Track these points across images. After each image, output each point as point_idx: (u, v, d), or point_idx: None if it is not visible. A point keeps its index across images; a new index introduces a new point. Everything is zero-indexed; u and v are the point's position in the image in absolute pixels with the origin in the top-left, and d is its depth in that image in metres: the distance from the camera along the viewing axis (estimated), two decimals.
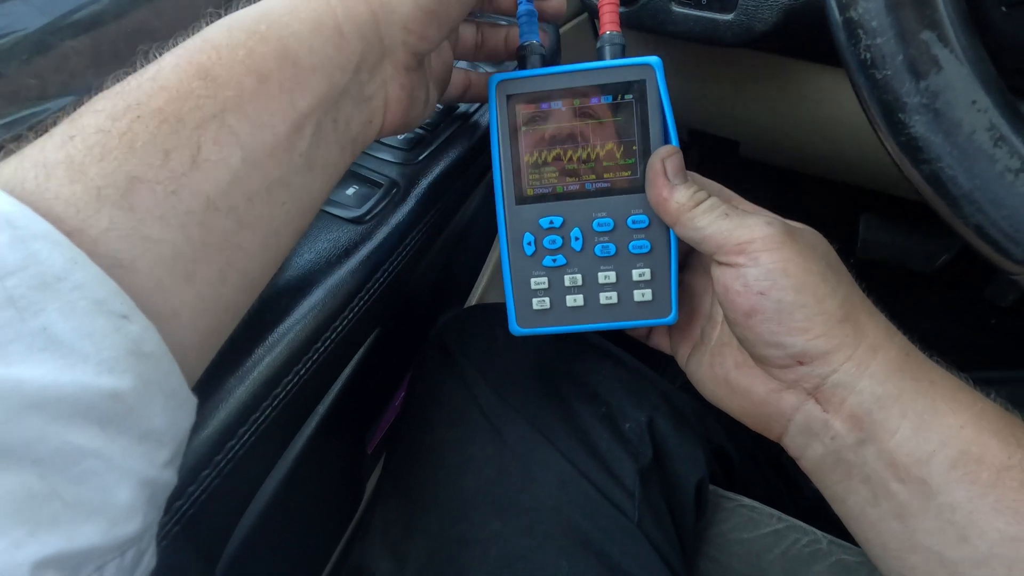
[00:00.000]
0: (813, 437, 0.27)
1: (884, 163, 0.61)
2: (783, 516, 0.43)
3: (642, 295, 0.31)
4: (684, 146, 0.71)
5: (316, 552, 0.42)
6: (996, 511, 0.23)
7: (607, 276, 0.31)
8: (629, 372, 0.42)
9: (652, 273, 0.31)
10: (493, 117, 0.31)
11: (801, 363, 0.26)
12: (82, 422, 0.17)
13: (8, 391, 0.16)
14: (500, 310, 0.43)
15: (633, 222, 0.31)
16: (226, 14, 0.23)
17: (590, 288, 0.31)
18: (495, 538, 0.34)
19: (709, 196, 0.28)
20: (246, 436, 0.27)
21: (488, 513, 0.34)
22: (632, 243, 0.31)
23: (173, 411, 0.20)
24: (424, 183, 0.38)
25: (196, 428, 0.26)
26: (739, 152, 0.71)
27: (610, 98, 0.30)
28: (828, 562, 0.41)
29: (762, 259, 0.26)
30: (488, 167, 0.45)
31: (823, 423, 0.27)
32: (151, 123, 0.20)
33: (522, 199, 0.31)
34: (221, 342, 0.24)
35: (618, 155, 0.31)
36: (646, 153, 0.30)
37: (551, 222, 0.31)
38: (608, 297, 0.31)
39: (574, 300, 0.31)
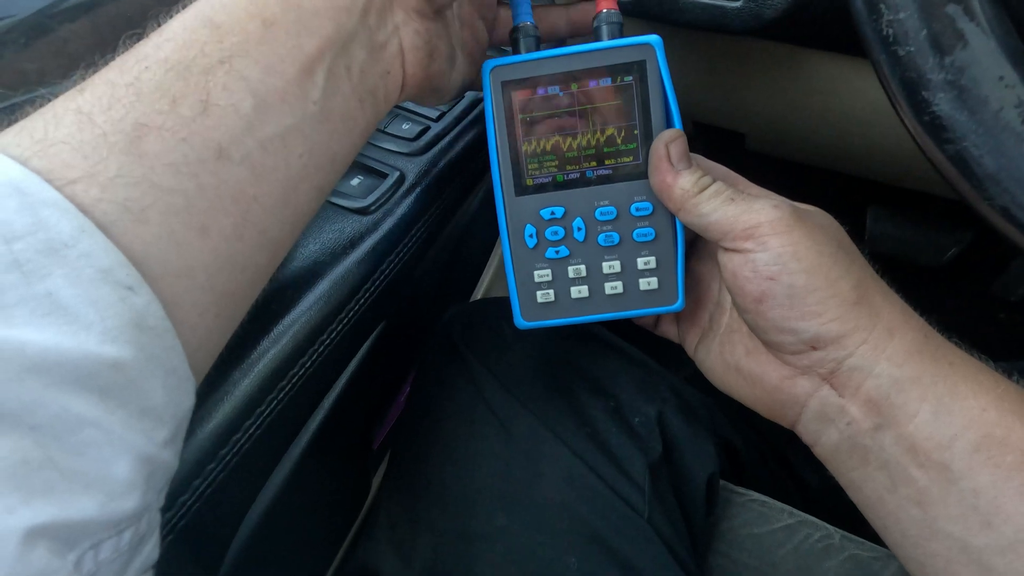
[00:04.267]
0: (828, 423, 0.27)
1: (893, 154, 0.60)
2: (794, 511, 0.43)
3: (648, 284, 0.31)
4: (689, 139, 0.70)
5: (322, 548, 0.42)
6: (1021, 495, 0.22)
7: (611, 266, 0.30)
8: (637, 366, 0.41)
9: (657, 261, 0.30)
10: (488, 105, 0.30)
11: (815, 348, 0.26)
12: (82, 390, 0.17)
13: (9, 353, 0.16)
14: (505, 304, 0.42)
15: (636, 209, 0.30)
16: None
17: (595, 279, 0.31)
18: (502, 533, 0.33)
19: (714, 181, 0.27)
20: (252, 430, 0.27)
21: (495, 508, 0.34)
22: (636, 231, 0.30)
23: (173, 389, 0.19)
24: (430, 174, 0.37)
25: (201, 422, 0.26)
26: (745, 145, 0.70)
27: (609, 80, 0.29)
28: (841, 557, 0.41)
29: (771, 243, 0.25)
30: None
31: (839, 408, 0.26)
32: (157, 71, 0.20)
33: (522, 190, 0.31)
34: (240, 311, 0.23)
35: (619, 140, 0.30)
36: (648, 137, 0.30)
37: (552, 213, 0.30)
38: (613, 287, 0.31)
39: (579, 292, 0.31)
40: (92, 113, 0.19)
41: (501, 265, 0.58)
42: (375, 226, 0.34)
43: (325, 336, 0.30)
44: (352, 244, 0.32)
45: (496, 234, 0.57)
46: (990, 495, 0.23)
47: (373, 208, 0.34)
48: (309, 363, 0.30)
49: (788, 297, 0.25)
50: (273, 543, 0.33)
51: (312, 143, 0.23)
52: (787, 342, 0.26)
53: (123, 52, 0.21)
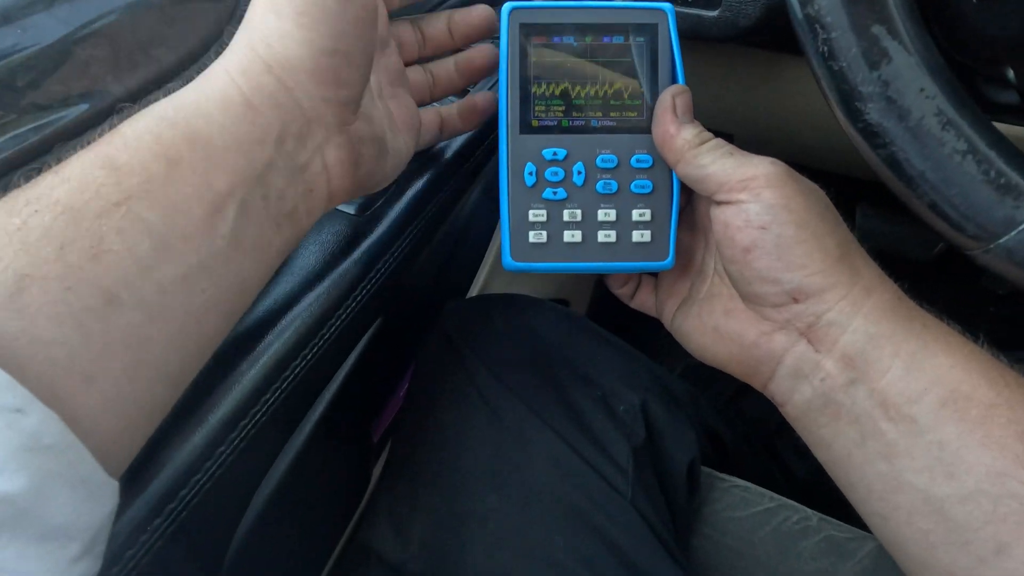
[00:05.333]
0: (802, 379, 0.27)
1: None
2: (774, 496, 0.45)
3: (641, 236, 0.31)
4: None
5: (324, 536, 0.44)
6: (984, 446, 0.23)
7: (607, 214, 0.31)
8: (623, 357, 0.43)
9: (652, 214, 0.31)
10: (504, 45, 0.31)
11: (796, 300, 0.27)
12: None
13: None
14: (499, 300, 0.44)
15: (637, 161, 0.31)
16: (195, 66, 0.23)
17: (589, 224, 0.31)
18: (492, 513, 0.35)
19: (714, 136, 0.29)
20: (258, 416, 0.29)
21: (486, 489, 0.36)
22: (634, 182, 0.31)
23: (82, 502, 0.18)
24: (421, 179, 0.39)
25: (211, 408, 0.28)
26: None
27: (622, 38, 0.31)
28: (817, 538, 0.43)
29: (764, 195, 0.26)
30: (486, 161, 0.46)
31: (814, 364, 0.27)
32: (47, 216, 0.19)
33: (527, 129, 0.31)
34: (143, 440, 0.22)
35: (626, 95, 0.31)
36: (654, 95, 0.31)
37: (555, 154, 0.31)
38: (607, 235, 0.31)
39: (572, 236, 0.31)
40: None
41: (497, 262, 0.60)
42: (370, 228, 0.36)
43: (325, 331, 0.33)
44: (349, 245, 0.35)
45: (490, 235, 0.59)
46: (954, 447, 0.24)
47: (367, 212, 0.36)
48: (311, 355, 0.32)
49: (776, 247, 0.26)
50: (278, 527, 0.35)
51: (218, 277, 0.22)
52: (770, 293, 0.27)
53: (17, 189, 0.20)
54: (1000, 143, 0.20)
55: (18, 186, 0.21)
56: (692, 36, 0.47)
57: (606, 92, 0.31)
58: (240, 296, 0.24)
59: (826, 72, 0.22)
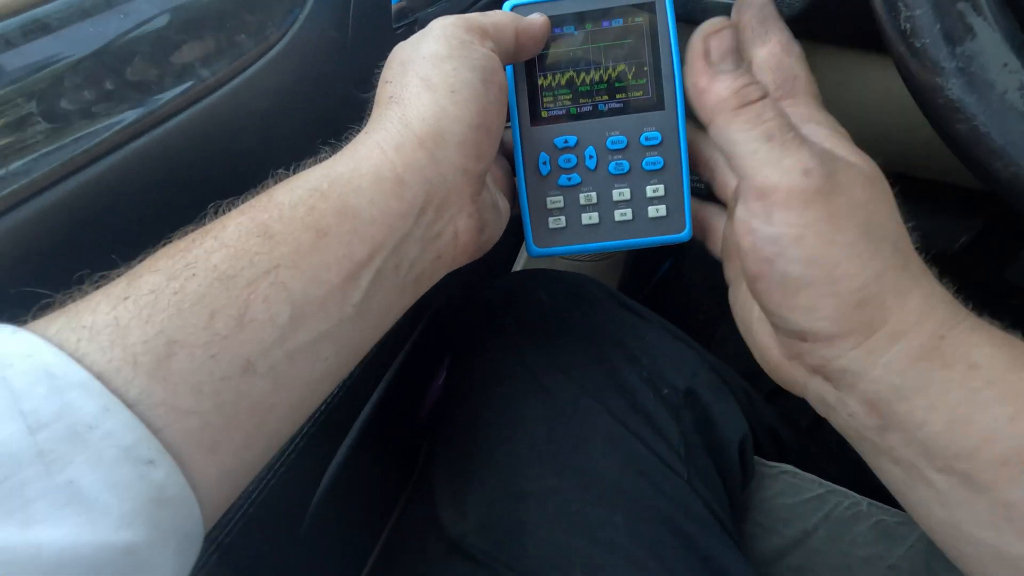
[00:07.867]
0: (831, 409, 0.25)
1: (904, 143, 0.62)
2: (823, 482, 0.44)
3: (656, 211, 0.32)
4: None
5: (381, 508, 0.44)
6: None
7: (621, 193, 0.32)
8: (672, 340, 0.42)
9: (666, 189, 0.32)
10: None
11: (803, 340, 0.24)
12: None
13: (27, 559, 0.16)
14: (542, 276, 0.43)
15: (646, 139, 0.32)
16: (291, 168, 0.24)
17: (605, 205, 0.32)
18: (552, 492, 0.34)
19: (763, 96, 0.22)
20: (317, 416, 0.30)
21: (543, 469, 0.35)
22: (645, 160, 0.32)
23: (185, 554, 0.19)
24: None
25: None
26: None
27: (621, 21, 0.32)
28: (869, 523, 0.42)
29: (776, 217, 0.22)
30: None
31: (837, 399, 0.24)
32: (203, 281, 0.20)
33: (538, 120, 0.33)
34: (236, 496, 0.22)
35: (630, 76, 0.32)
36: (657, 72, 0.32)
37: (566, 141, 0.32)
38: (623, 214, 0.32)
39: (589, 218, 0.33)
40: (128, 328, 0.18)
41: None
42: None
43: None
44: None
45: None
46: None
47: None
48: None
49: (780, 285, 0.23)
50: (342, 504, 0.35)
51: (341, 344, 0.22)
52: (778, 325, 0.25)
53: (178, 244, 0.21)
54: None
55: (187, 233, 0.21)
56: None
57: (610, 75, 0.32)
58: (354, 361, 0.24)
59: (907, 50, 0.23)
